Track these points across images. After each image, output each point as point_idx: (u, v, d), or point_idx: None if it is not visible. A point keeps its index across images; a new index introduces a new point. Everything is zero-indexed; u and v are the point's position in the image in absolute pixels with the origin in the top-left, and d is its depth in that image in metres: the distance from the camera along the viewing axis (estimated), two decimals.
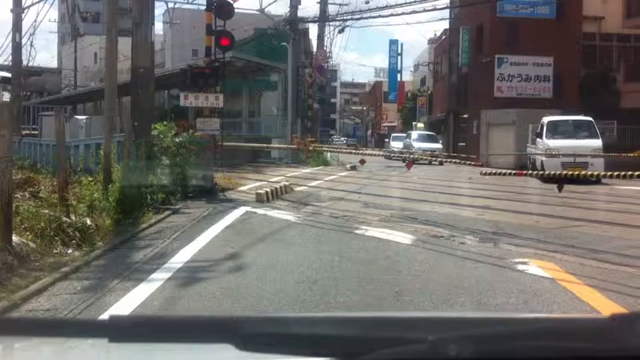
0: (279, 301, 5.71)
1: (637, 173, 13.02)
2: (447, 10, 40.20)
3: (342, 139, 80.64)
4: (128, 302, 5.56)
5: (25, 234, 7.36)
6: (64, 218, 8.18)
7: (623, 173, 13.38)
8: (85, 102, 48.74)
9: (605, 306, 5.48)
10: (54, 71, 69.27)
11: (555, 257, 7.70)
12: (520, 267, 7.10)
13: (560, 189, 13.79)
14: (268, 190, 14.06)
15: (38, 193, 10.86)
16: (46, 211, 8.23)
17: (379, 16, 34.25)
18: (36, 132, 30.43)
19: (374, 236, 9.23)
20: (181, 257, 7.47)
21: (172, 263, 7.14)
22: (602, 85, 34.13)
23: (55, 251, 7.35)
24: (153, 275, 6.52)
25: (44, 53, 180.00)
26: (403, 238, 9.05)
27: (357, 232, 9.62)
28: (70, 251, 7.50)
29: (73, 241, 7.77)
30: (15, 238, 6.86)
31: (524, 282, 6.45)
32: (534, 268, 7.04)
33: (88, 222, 8.53)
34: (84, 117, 25.07)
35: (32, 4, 27.93)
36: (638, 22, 32.62)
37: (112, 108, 12.57)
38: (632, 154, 19.78)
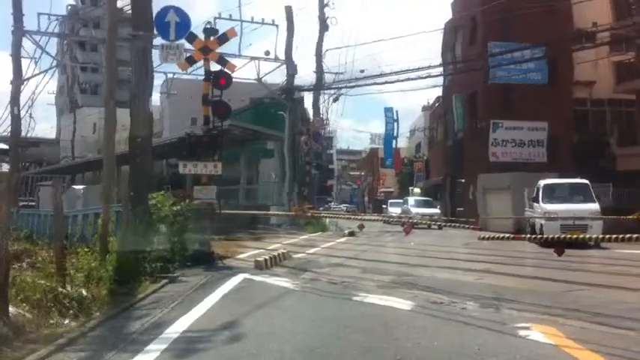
0: None
1: (635, 236, 13.03)
2: (441, 78, 40.89)
3: (342, 206, 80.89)
4: None
5: (21, 305, 7.29)
6: (61, 289, 8.11)
7: (622, 236, 13.37)
8: (84, 172, 48.99)
9: None
10: (52, 142, 69.89)
11: (557, 322, 7.62)
12: (522, 333, 7.02)
13: (560, 253, 13.74)
14: (266, 257, 14.00)
15: (35, 264, 10.79)
16: (43, 282, 8.16)
17: (374, 84, 35.13)
18: (33, 203, 30.40)
19: (373, 303, 9.14)
20: (178, 327, 7.37)
21: (169, 333, 7.05)
22: (596, 149, 34.46)
23: (51, 322, 7.26)
24: (149, 346, 6.43)
25: (43, 124, 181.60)
26: (403, 304, 8.96)
27: (355, 298, 9.53)
28: (66, 322, 7.41)
29: (70, 312, 7.69)
30: (11, 309, 6.80)
31: (527, 348, 6.36)
32: (536, 333, 6.96)
33: (85, 292, 8.45)
34: (81, 187, 25.08)
35: (32, 76, 28.37)
36: (628, 87, 33.16)
37: (110, 177, 12.60)
38: (631, 217, 19.80)
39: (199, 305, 8.81)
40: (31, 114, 30.59)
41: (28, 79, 27.46)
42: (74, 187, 26.12)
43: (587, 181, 22.97)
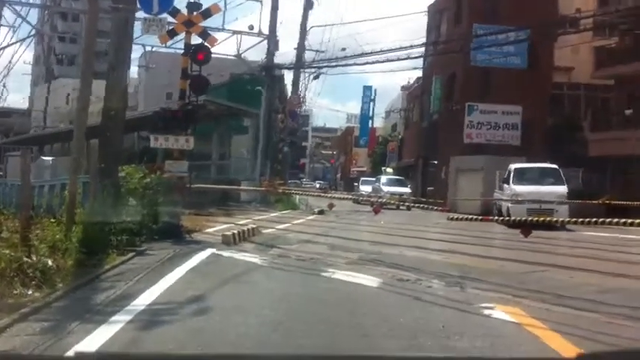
0: (242, 344, 5.65)
1: (601, 220, 13.24)
2: (421, 60, 40.89)
3: (316, 183, 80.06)
4: (89, 344, 5.46)
5: None
6: (25, 259, 8.01)
7: (587, 220, 13.56)
8: (52, 143, 48.38)
9: (570, 351, 5.48)
10: (23, 112, 68.87)
11: (521, 302, 7.72)
12: (486, 311, 7.10)
13: (526, 235, 13.88)
14: (235, 232, 13.97)
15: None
16: (7, 252, 8.06)
17: (354, 64, 35.25)
18: (1, 173, 29.99)
19: (341, 279, 9.19)
20: (144, 299, 7.34)
21: (135, 305, 7.01)
22: (569, 133, 34.81)
23: (14, 292, 7.18)
24: (114, 317, 6.40)
25: (16, 95, 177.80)
26: (370, 281, 9.02)
27: (323, 274, 9.57)
28: (30, 292, 7.33)
29: (34, 282, 7.60)
30: None
31: (490, 326, 6.45)
32: (500, 312, 7.05)
33: (50, 263, 8.35)
34: (50, 158, 24.77)
35: (8, 45, 27.86)
36: (607, 73, 33.41)
37: (80, 148, 12.43)
38: (596, 202, 20.07)
39: (166, 278, 8.76)
40: (4, 84, 30.12)
41: (4, 48, 26.99)
42: (43, 157, 25.79)
43: (556, 166, 23.30)
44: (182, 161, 15.37)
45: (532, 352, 5.57)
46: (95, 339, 5.62)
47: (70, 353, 4.95)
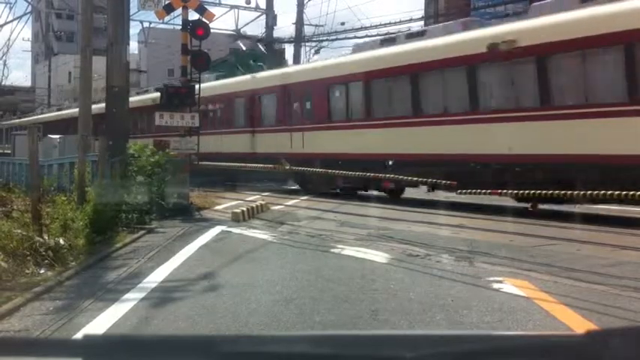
0: (254, 321, 5.67)
1: (609, 192, 13.17)
2: None
3: None
4: (101, 323, 5.50)
5: None
6: (37, 238, 8.07)
7: (596, 193, 13.49)
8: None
9: (579, 324, 5.50)
10: (27, 90, 68.77)
11: (530, 276, 7.73)
12: (495, 285, 7.11)
13: (534, 208, 13.85)
14: (244, 209, 14.00)
15: (11, 212, 10.72)
16: (19, 231, 8.12)
17: (354, 37, 34.86)
18: (9, 151, 30.06)
19: (350, 255, 9.21)
20: (156, 277, 7.40)
21: (146, 283, 7.07)
22: None
23: (27, 271, 7.24)
24: (126, 295, 6.45)
25: (18, 72, 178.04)
26: (379, 257, 9.04)
27: (333, 251, 9.59)
28: (42, 271, 7.40)
29: (46, 261, 7.67)
30: None
31: (500, 300, 6.46)
32: (509, 286, 7.06)
33: (61, 242, 8.42)
34: (57, 136, 24.76)
35: (5, 23, 27.83)
36: None
37: (86, 127, 12.47)
38: None
39: (177, 256, 8.82)
40: (5, 61, 30.11)
41: (2, 25, 26.93)
42: (50, 136, 25.78)
43: None
44: (190, 138, 15.38)
45: (542, 326, 5.58)
46: (107, 317, 5.67)
47: (79, 335, 4.98)
